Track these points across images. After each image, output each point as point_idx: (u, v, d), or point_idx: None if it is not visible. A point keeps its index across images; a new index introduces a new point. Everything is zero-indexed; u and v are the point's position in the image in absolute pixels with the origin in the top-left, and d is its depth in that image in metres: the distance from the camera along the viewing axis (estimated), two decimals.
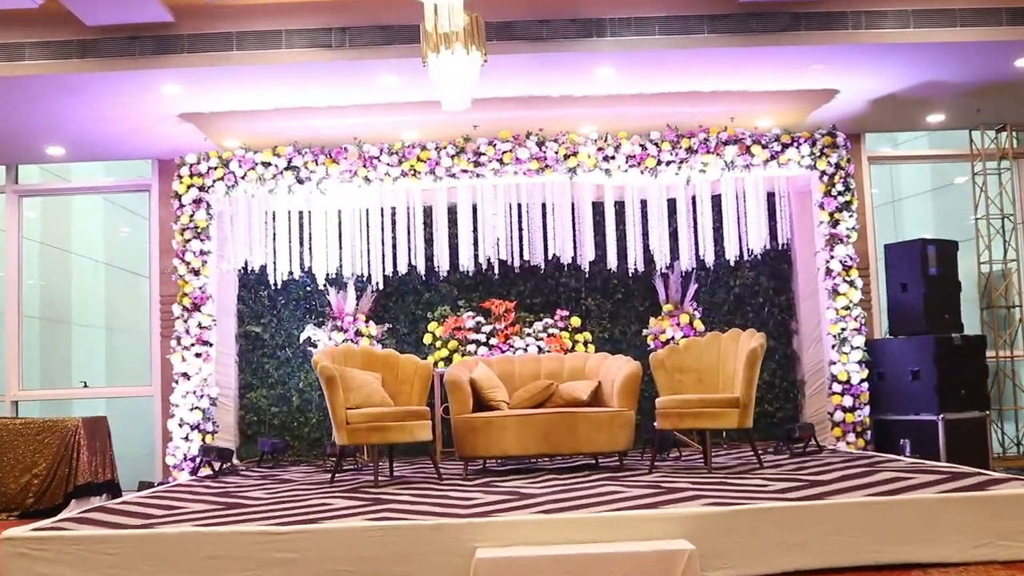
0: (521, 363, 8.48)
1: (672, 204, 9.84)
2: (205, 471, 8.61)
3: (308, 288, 10.16)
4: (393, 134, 9.31)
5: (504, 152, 9.18)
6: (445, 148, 9.20)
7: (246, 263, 9.72)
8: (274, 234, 9.71)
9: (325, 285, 9.84)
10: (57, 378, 12.38)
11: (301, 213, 9.84)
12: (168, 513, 5.86)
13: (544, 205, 9.80)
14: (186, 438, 9.06)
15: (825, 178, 9.22)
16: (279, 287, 9.98)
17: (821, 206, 9.23)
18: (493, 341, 9.46)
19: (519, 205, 9.75)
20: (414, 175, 9.21)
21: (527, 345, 9.43)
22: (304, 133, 9.24)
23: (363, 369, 7.77)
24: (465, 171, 9.23)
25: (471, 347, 9.43)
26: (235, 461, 9.06)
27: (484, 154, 9.20)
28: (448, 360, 9.41)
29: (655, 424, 8.61)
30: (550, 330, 9.60)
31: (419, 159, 9.19)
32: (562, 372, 8.38)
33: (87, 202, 12.82)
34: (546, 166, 9.22)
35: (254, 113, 8.84)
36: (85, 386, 10.63)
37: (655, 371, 7.76)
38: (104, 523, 5.48)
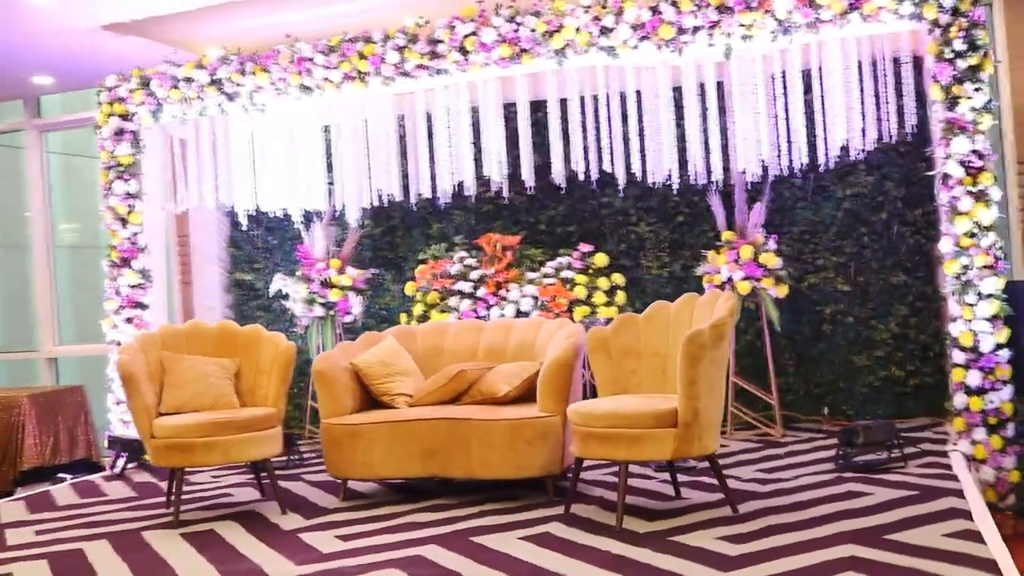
0: (456, 335, 6.13)
1: (720, 89, 6.82)
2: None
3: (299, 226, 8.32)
4: (344, 23, 7.05)
5: (464, 37, 6.64)
6: (393, 38, 6.81)
7: (231, 204, 7.92)
8: (228, 164, 7.84)
9: (302, 222, 7.93)
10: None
11: (254, 135, 7.91)
12: None
13: (565, 101, 7.10)
14: (125, 419, 7.59)
15: (937, 32, 5.83)
16: (267, 227, 8.28)
17: (933, 77, 5.87)
18: (481, 292, 7.09)
19: (534, 104, 7.32)
20: (360, 79, 6.93)
21: (521, 298, 6.99)
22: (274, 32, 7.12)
23: (216, 355, 5.82)
24: (422, 67, 6.79)
25: (454, 300, 7.13)
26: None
27: (441, 42, 6.72)
28: (424, 319, 7.19)
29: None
30: (563, 274, 7.05)
31: (361, 56, 6.88)
32: (505, 348, 5.95)
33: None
34: (522, 51, 6.58)
35: (230, 4, 6.79)
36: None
37: (592, 355, 5.15)
38: None
